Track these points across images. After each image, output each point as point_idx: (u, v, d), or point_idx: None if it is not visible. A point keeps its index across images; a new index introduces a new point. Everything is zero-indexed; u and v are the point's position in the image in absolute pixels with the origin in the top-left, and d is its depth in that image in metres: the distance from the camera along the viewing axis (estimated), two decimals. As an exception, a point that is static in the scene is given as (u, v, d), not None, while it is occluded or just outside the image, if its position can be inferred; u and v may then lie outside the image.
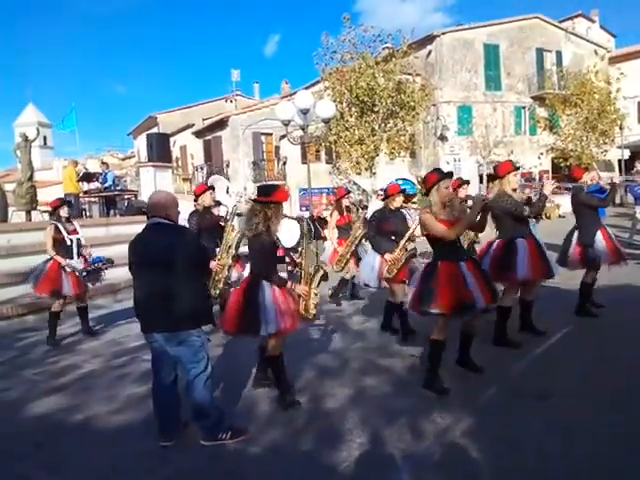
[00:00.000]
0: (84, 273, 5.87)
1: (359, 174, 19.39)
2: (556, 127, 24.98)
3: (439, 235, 3.77)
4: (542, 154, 25.21)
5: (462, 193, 6.30)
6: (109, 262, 6.17)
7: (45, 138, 53.88)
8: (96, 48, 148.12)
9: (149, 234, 3.30)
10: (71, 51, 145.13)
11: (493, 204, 4.59)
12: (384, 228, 5.45)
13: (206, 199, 5.69)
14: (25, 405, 4.03)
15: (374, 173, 19.59)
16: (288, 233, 8.22)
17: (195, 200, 5.89)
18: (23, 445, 3.39)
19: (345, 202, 7.54)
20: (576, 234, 5.64)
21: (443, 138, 23.65)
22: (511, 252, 4.74)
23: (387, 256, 5.30)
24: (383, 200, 5.80)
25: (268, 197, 3.74)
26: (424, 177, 4.06)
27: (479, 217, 4.07)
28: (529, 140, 25.34)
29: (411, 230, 5.34)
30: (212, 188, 5.95)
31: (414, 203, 22.36)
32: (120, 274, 8.81)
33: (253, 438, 3.30)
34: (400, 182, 23.79)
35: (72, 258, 5.86)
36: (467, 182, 6.57)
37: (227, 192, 15.26)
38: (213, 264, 5.20)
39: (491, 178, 23.59)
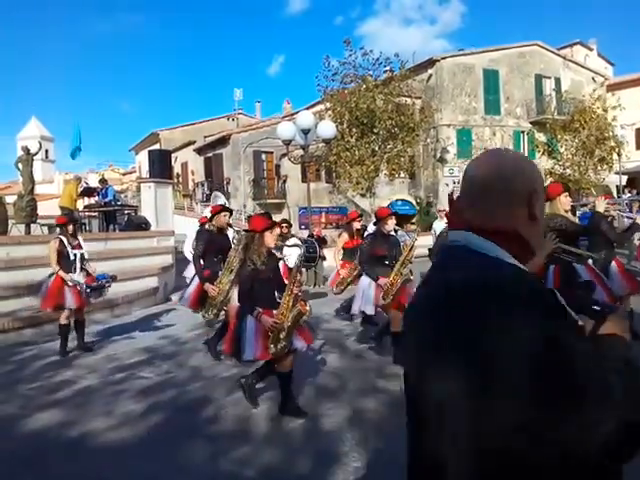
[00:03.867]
0: (88, 289, 5.88)
1: (363, 196, 19.48)
2: (555, 152, 25.23)
3: None
4: (540, 178, 25.39)
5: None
6: (113, 279, 6.21)
7: (47, 152, 54.17)
8: (101, 64, 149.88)
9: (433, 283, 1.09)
10: (76, 67, 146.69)
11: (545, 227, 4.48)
12: (376, 253, 5.33)
13: (220, 220, 5.54)
14: (18, 421, 3.98)
15: (374, 193, 19.72)
16: (291, 254, 8.30)
17: (210, 220, 5.81)
18: (13, 463, 3.33)
19: (356, 225, 7.39)
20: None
21: (442, 160, 23.84)
22: (572, 276, 4.38)
23: (381, 281, 5.17)
24: (375, 224, 5.73)
25: (249, 226, 4.04)
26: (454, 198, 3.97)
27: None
28: (528, 164, 25.57)
29: (406, 253, 5.26)
30: (229, 210, 5.77)
31: (413, 224, 22.54)
32: (118, 290, 8.81)
33: (248, 460, 3.26)
34: (399, 203, 24.02)
35: (75, 272, 5.93)
36: None
37: None
38: (209, 286, 5.27)
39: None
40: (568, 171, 24.63)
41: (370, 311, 5.54)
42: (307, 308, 3.75)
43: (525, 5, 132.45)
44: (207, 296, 5.35)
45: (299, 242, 6.86)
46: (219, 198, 10.47)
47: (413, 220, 22.79)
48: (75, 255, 5.97)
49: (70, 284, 5.81)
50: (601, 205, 4.60)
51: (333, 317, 7.73)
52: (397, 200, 23.83)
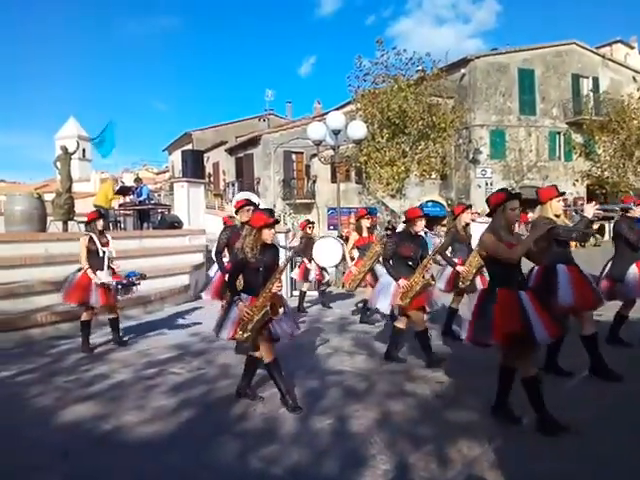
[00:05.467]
0: (118, 286, 5.99)
1: (393, 197, 19.37)
2: (592, 153, 24.55)
3: (501, 257, 3.53)
4: (577, 180, 24.76)
5: (466, 217, 6.25)
6: (142, 277, 6.28)
7: (84, 151, 55.69)
8: (136, 66, 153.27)
9: None
10: (112, 68, 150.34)
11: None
12: (401, 253, 5.25)
13: (243, 215, 5.51)
14: (55, 412, 4.11)
15: (404, 194, 19.57)
16: (328, 254, 8.31)
17: (235, 214, 5.80)
18: (48, 454, 3.41)
19: (365, 223, 7.55)
20: (609, 266, 5.49)
21: (475, 161, 23.48)
22: (552, 278, 4.45)
23: (402, 282, 5.10)
24: (404, 222, 5.69)
25: (249, 220, 4.24)
26: (489, 196, 3.77)
27: (542, 245, 3.83)
28: (564, 166, 24.94)
29: (429, 257, 5.19)
30: (253, 204, 5.69)
31: (443, 226, 22.25)
32: (151, 286, 8.99)
33: (275, 459, 3.28)
34: (430, 204, 23.79)
35: (102, 270, 5.96)
36: (470, 206, 6.54)
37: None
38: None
39: (533, 204, 23.15)
40: (606, 173, 23.95)
41: (385, 310, 5.49)
42: (279, 311, 3.91)
43: (563, 3, 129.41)
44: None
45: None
46: (249, 197, 10.49)
47: (444, 222, 22.52)
48: (104, 252, 6.00)
49: (97, 282, 5.85)
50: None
51: (359, 318, 7.71)
52: (427, 201, 23.59)
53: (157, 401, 4.34)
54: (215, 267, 6.09)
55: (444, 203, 23.73)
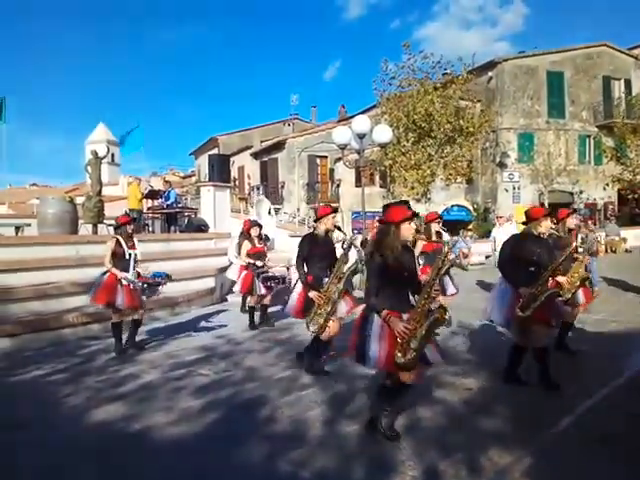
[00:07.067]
0: (144, 285, 6.07)
1: (418, 201, 19.20)
2: (623, 157, 23.95)
3: None
4: (607, 185, 24.19)
5: (571, 222, 5.67)
6: (168, 278, 6.36)
7: (113, 155, 56.87)
8: (164, 72, 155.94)
9: None
10: (140, 73, 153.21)
11: None
12: (523, 257, 4.53)
13: (328, 222, 5.08)
14: (86, 412, 4.18)
15: (429, 199, 19.41)
16: None
17: (315, 221, 5.38)
18: (79, 453, 3.47)
19: (435, 227, 6.73)
20: None
21: (502, 165, 23.16)
22: None
23: (523, 290, 4.43)
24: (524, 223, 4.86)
25: (384, 216, 3.54)
26: None
27: None
28: (594, 170, 24.40)
29: (557, 263, 4.55)
30: (335, 211, 5.30)
31: (469, 230, 21.90)
32: (178, 288, 9.11)
33: (304, 462, 3.27)
34: (455, 209, 23.49)
35: (128, 271, 6.04)
36: (575, 210, 6.10)
37: (269, 213, 15.52)
38: (314, 294, 4.79)
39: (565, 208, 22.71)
40: (638, 177, 23.34)
41: (498, 320, 4.73)
42: (446, 317, 3.28)
43: (593, 5, 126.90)
44: (312, 304, 4.83)
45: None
46: (262, 202, 10.43)
47: (469, 226, 22.24)
48: (130, 255, 6.09)
49: (124, 282, 5.93)
50: None
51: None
52: (453, 205, 23.34)
53: (185, 402, 4.38)
54: (234, 268, 5.88)
55: (470, 207, 23.44)
